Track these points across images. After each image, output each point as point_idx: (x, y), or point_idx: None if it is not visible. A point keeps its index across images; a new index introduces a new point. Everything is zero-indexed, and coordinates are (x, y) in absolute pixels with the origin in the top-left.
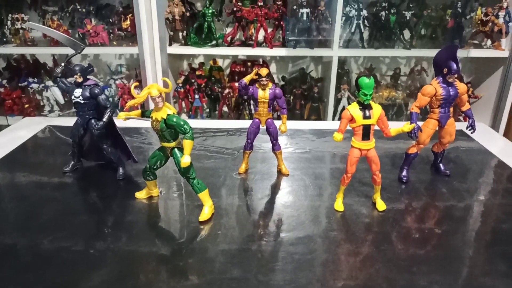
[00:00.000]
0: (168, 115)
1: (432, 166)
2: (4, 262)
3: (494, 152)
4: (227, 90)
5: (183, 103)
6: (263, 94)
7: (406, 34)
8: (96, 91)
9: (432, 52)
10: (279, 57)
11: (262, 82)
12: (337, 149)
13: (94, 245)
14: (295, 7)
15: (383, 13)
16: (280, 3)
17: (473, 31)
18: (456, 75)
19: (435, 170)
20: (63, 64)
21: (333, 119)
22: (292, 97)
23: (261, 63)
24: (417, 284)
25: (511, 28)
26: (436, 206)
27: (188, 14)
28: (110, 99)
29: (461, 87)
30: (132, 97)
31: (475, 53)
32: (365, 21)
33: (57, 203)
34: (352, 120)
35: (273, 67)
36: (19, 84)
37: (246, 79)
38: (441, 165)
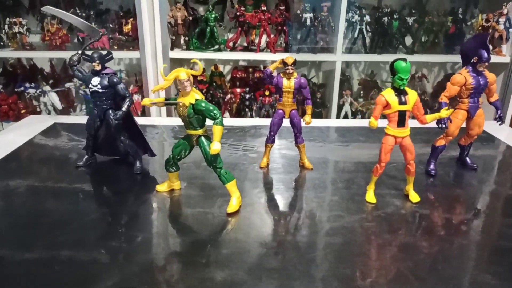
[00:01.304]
0: (196, 100)
1: (458, 160)
2: (14, 263)
3: None
4: (228, 96)
5: None
6: (288, 84)
7: (408, 40)
8: (115, 80)
9: (433, 58)
10: None
11: (287, 71)
12: (358, 142)
13: (110, 243)
14: (298, 11)
15: (386, 18)
16: (283, 8)
17: None
18: (487, 64)
19: (461, 164)
20: (79, 51)
21: None
22: None
23: (262, 69)
24: (468, 274)
25: None
26: (469, 198)
27: (190, 18)
28: None
29: (491, 76)
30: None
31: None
32: (368, 27)
33: (70, 200)
34: (387, 106)
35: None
36: (15, 89)
37: (271, 68)
38: (467, 159)
